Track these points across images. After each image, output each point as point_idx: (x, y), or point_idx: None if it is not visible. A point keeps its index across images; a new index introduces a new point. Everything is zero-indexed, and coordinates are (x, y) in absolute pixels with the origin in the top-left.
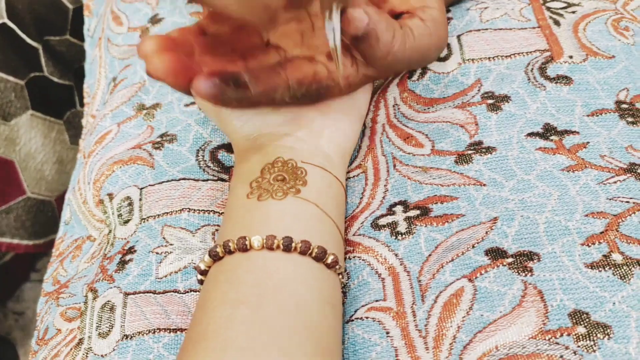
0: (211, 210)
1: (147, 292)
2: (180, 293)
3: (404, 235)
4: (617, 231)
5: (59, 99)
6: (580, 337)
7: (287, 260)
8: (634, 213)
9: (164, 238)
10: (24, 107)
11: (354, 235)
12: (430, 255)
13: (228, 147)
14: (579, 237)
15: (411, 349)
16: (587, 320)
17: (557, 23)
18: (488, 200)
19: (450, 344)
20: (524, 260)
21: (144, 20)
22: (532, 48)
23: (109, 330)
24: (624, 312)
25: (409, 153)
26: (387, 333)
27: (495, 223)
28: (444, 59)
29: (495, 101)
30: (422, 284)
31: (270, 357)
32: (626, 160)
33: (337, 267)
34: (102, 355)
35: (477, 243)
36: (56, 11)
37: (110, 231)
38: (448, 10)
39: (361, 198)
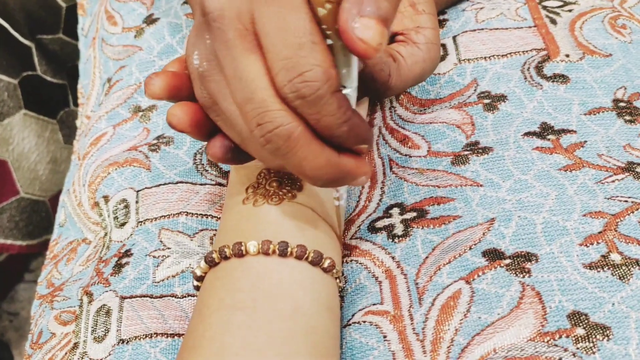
0: (209, 215)
1: (144, 296)
2: (178, 298)
3: (400, 238)
4: (616, 231)
5: (53, 98)
6: (580, 338)
7: (283, 265)
8: (633, 212)
9: (161, 241)
10: (17, 107)
11: (350, 238)
12: (427, 257)
13: None
14: (577, 237)
15: (409, 353)
16: (586, 321)
17: (553, 22)
18: (485, 201)
19: (447, 347)
20: (521, 262)
21: (139, 20)
22: (528, 47)
23: (105, 335)
24: (623, 313)
25: (405, 155)
26: (385, 337)
27: (492, 224)
28: (440, 60)
29: (492, 101)
30: (419, 287)
31: None
32: (624, 159)
33: (334, 271)
34: None
35: (474, 244)
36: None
37: (106, 234)
38: (444, 12)
39: (358, 201)
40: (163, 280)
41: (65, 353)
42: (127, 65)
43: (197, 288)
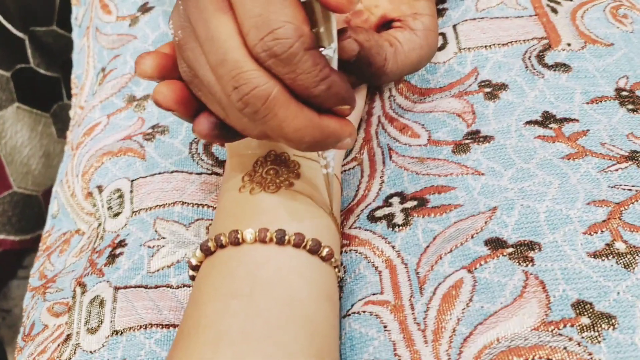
0: (205, 204)
1: (138, 287)
2: (173, 288)
3: (401, 227)
4: (620, 219)
5: (46, 92)
6: (584, 328)
7: (281, 253)
8: (637, 201)
9: (156, 231)
10: (9, 100)
11: (350, 228)
12: (428, 246)
13: None
14: (581, 225)
15: (410, 343)
16: (591, 310)
17: (554, 11)
18: (487, 189)
19: (450, 336)
20: (524, 250)
21: (133, 9)
22: (529, 36)
23: (98, 326)
24: (628, 302)
25: (405, 144)
26: (385, 327)
27: (494, 213)
28: (440, 49)
29: (493, 89)
30: (420, 276)
31: (264, 349)
32: (627, 147)
33: (333, 260)
34: (91, 352)
35: (476, 233)
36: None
37: (99, 224)
38: (443, 1)
39: (357, 190)
40: (158, 270)
41: (58, 345)
42: (122, 54)
43: (193, 278)
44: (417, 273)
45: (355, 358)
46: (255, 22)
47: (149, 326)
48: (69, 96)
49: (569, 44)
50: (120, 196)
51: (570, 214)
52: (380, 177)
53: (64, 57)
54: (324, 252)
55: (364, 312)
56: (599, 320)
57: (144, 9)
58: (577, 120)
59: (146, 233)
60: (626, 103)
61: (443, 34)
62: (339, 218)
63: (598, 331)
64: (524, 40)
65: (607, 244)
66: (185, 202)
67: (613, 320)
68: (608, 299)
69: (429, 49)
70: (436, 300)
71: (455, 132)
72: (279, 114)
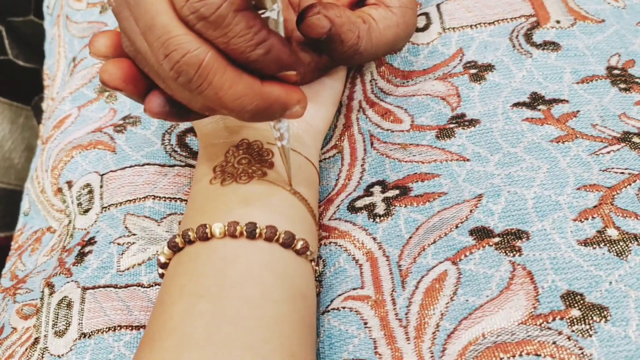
0: (178, 198)
1: (108, 287)
2: (144, 287)
3: (382, 218)
4: (612, 204)
5: (26, 84)
6: (575, 320)
7: (252, 247)
8: (630, 184)
9: (126, 227)
10: None
11: (329, 219)
12: (410, 237)
13: None
14: (571, 212)
15: (391, 340)
16: (581, 302)
17: None
18: (472, 176)
19: (433, 333)
20: (511, 240)
21: None
22: (516, 14)
23: (66, 329)
24: (621, 292)
25: (387, 129)
26: (366, 324)
27: (480, 200)
28: (423, 29)
29: (479, 71)
30: (402, 269)
31: (232, 353)
32: (619, 129)
33: (309, 253)
34: (58, 356)
35: (461, 223)
36: None
37: (70, 221)
38: None
39: (337, 180)
40: (128, 269)
41: (26, 349)
42: None
43: (162, 276)
44: (399, 266)
45: (335, 357)
46: None
47: (118, 328)
48: None
49: (558, 22)
50: (90, 191)
51: (559, 200)
52: (361, 165)
53: (42, 47)
54: (299, 246)
55: (344, 308)
56: (590, 312)
57: None
58: (567, 101)
59: (116, 230)
60: (618, 82)
61: (426, 14)
62: (317, 209)
63: (589, 324)
64: (511, 19)
65: (598, 231)
66: (157, 196)
67: (605, 312)
68: (600, 290)
69: (406, 27)
70: (419, 295)
71: (439, 117)
72: (214, 81)
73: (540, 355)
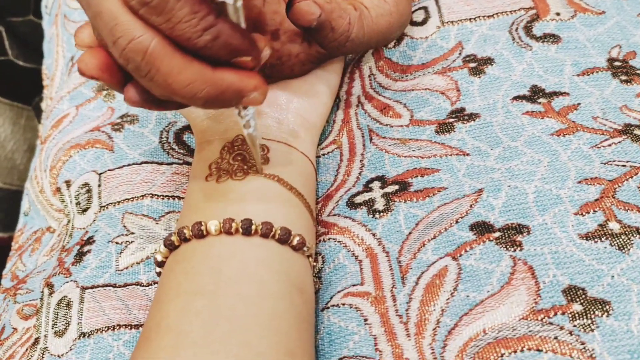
0: (176, 196)
1: (107, 286)
2: (143, 286)
3: (382, 213)
4: (614, 198)
5: (26, 84)
6: (577, 315)
7: (247, 244)
8: (632, 177)
9: (124, 226)
10: None
11: (328, 215)
12: (410, 233)
13: None
14: (572, 206)
15: (391, 337)
16: (583, 296)
17: None
18: (472, 170)
19: (433, 329)
20: (512, 234)
21: None
22: (516, 6)
23: (66, 328)
24: (623, 286)
25: (386, 125)
26: (365, 320)
27: (480, 195)
28: (422, 23)
29: (478, 64)
30: (402, 265)
31: (229, 350)
32: (621, 121)
33: (305, 248)
34: (58, 356)
35: (461, 218)
36: None
37: (69, 221)
38: None
39: (336, 175)
40: (127, 267)
41: (26, 349)
42: None
43: (160, 275)
44: (399, 262)
45: (335, 354)
46: None
47: (117, 327)
48: None
49: (558, 14)
50: (88, 191)
51: (560, 193)
52: (360, 160)
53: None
54: (295, 241)
55: (344, 304)
56: (592, 307)
57: None
58: (568, 94)
59: (114, 229)
60: (619, 74)
61: (425, 8)
62: (314, 204)
63: (591, 318)
64: (511, 11)
65: (600, 225)
66: (155, 195)
67: (607, 306)
68: (602, 284)
69: (400, 16)
70: (419, 291)
71: (438, 111)
72: (162, 68)
73: (541, 350)
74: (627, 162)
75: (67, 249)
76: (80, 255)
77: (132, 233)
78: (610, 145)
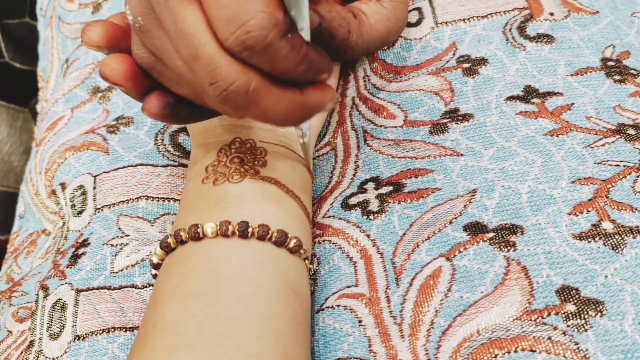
0: (171, 198)
1: (101, 288)
2: (138, 288)
3: (376, 215)
4: (607, 197)
5: (23, 86)
6: (570, 315)
7: (244, 247)
8: (625, 177)
9: (119, 229)
10: None
11: (323, 217)
12: (404, 234)
13: None
14: (565, 206)
15: (385, 338)
16: (576, 296)
17: None
18: (466, 171)
19: (427, 330)
20: (506, 235)
21: None
22: (509, 7)
23: (60, 331)
24: (617, 286)
25: (380, 126)
26: (360, 322)
27: (474, 195)
28: (416, 24)
29: (472, 65)
30: (396, 266)
31: (224, 351)
32: (614, 120)
33: (302, 251)
34: (53, 359)
35: (455, 218)
36: None
37: (64, 223)
38: None
39: (330, 177)
40: (122, 270)
41: (21, 352)
42: None
43: (156, 277)
44: (393, 263)
45: (330, 356)
46: (225, 15)
47: (112, 330)
48: None
49: (551, 14)
50: (83, 193)
51: (554, 193)
52: (355, 162)
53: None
54: (292, 244)
55: (338, 306)
56: (586, 307)
57: None
58: (561, 94)
59: (109, 231)
60: (613, 74)
61: (419, 9)
62: (310, 207)
63: (585, 319)
64: (505, 12)
65: (593, 225)
66: (150, 197)
67: (601, 306)
68: (595, 284)
69: (397, 21)
70: (413, 292)
71: (432, 112)
72: (261, 103)
73: (535, 351)
74: (621, 161)
75: (62, 251)
76: (75, 258)
77: (127, 235)
78: (603, 145)
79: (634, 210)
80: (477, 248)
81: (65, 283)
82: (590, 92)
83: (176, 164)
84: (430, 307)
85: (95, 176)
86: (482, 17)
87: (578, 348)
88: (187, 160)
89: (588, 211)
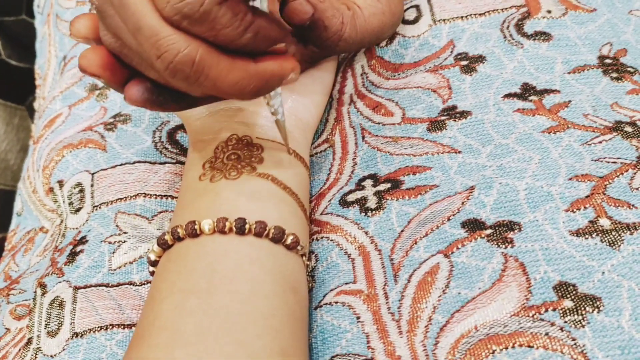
0: (169, 195)
1: (99, 286)
2: (136, 285)
3: (374, 212)
4: (604, 194)
5: (19, 84)
6: (567, 311)
7: (241, 243)
8: (622, 174)
9: (117, 226)
10: None
11: (321, 214)
12: (402, 231)
13: None
14: (563, 202)
15: (383, 334)
16: (574, 292)
17: None
18: (464, 168)
19: (425, 326)
20: (503, 231)
21: None
22: (507, 4)
23: (58, 328)
24: (614, 282)
25: (378, 123)
26: (358, 318)
27: (471, 192)
28: (414, 22)
29: (470, 62)
30: (394, 263)
31: (222, 348)
32: (611, 118)
33: (299, 248)
34: (51, 356)
35: (453, 215)
36: None
37: (61, 221)
38: None
39: (329, 174)
40: (120, 267)
41: (19, 349)
42: None
43: (153, 274)
44: (392, 260)
45: (328, 352)
46: None
47: (110, 327)
48: None
49: (549, 11)
50: (81, 190)
51: (551, 190)
52: (353, 159)
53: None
54: (289, 240)
55: (336, 302)
56: (583, 303)
57: None
58: (559, 92)
59: (107, 228)
60: (610, 71)
61: (417, 6)
62: (308, 203)
63: (582, 314)
64: (502, 9)
65: (590, 221)
66: (148, 194)
67: (598, 302)
68: (592, 280)
69: (392, 15)
70: (411, 288)
71: (430, 109)
72: (211, 73)
73: (532, 346)
74: (618, 158)
75: (60, 249)
76: (73, 255)
77: (125, 232)
78: (601, 142)
79: (631, 206)
80: (475, 245)
81: (63, 280)
82: (588, 89)
83: (174, 161)
84: (428, 304)
85: (93, 174)
86: (480, 14)
87: (575, 344)
88: (184, 157)
89: (585, 208)
